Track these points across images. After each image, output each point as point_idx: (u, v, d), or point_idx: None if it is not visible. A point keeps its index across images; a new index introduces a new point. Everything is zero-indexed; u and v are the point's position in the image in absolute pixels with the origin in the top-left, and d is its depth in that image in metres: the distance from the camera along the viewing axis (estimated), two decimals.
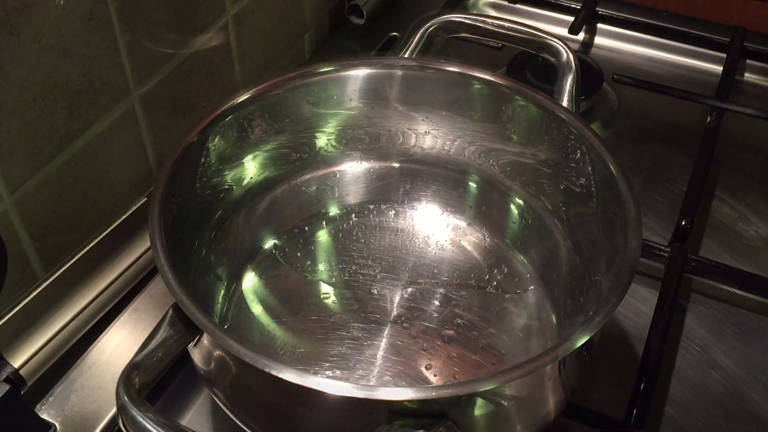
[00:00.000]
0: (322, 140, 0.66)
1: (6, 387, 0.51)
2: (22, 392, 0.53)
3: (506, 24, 0.64)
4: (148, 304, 0.62)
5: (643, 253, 0.67)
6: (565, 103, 0.60)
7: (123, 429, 0.42)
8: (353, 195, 0.69)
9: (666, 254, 0.67)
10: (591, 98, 0.83)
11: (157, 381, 0.45)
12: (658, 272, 0.66)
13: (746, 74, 0.89)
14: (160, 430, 0.41)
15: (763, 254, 0.70)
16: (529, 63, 0.84)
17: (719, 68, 0.86)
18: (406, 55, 0.65)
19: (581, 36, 0.93)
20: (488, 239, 0.67)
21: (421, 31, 0.66)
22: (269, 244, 0.66)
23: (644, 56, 0.92)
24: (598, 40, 0.94)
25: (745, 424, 0.58)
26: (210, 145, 0.57)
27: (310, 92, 0.62)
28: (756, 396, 0.60)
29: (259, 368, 0.42)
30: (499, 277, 0.64)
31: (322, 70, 0.61)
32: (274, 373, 0.42)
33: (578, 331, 0.44)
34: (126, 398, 0.42)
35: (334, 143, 0.66)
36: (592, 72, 0.84)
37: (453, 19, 0.66)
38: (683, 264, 0.66)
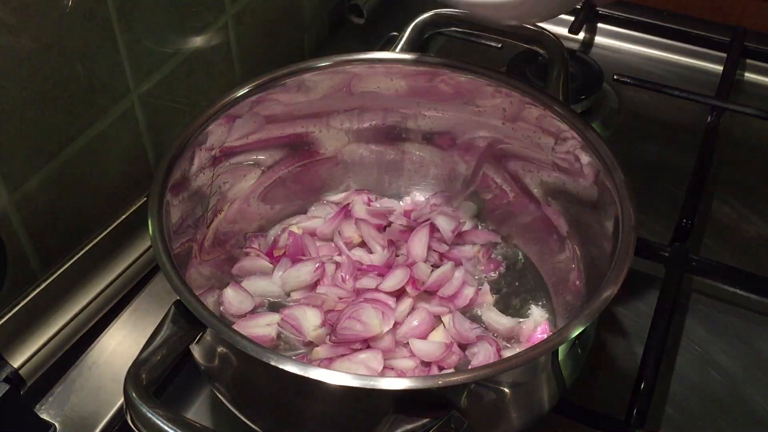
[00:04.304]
0: (319, 132, 0.66)
1: (6, 387, 0.51)
2: (22, 392, 0.53)
3: None
4: (148, 304, 0.62)
5: (643, 253, 0.68)
6: (555, 94, 0.61)
7: (131, 425, 0.42)
8: (351, 183, 0.70)
9: (666, 254, 0.67)
10: (591, 98, 0.83)
11: (163, 377, 0.45)
12: (658, 272, 0.66)
13: (746, 74, 0.89)
14: (169, 424, 0.41)
15: (763, 254, 0.70)
16: (530, 62, 0.84)
17: (719, 68, 0.86)
18: (397, 50, 0.65)
19: (581, 35, 0.93)
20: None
21: (412, 25, 0.66)
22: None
23: (644, 56, 0.92)
24: (599, 39, 0.94)
25: (745, 424, 0.58)
26: (208, 140, 0.57)
27: (307, 87, 0.62)
28: (756, 396, 0.60)
29: (264, 361, 0.42)
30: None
31: (319, 65, 0.61)
32: (280, 366, 0.42)
33: (575, 321, 0.45)
34: (134, 394, 0.42)
35: (331, 135, 0.66)
36: (592, 72, 0.84)
37: (441, 12, 0.66)
38: (683, 264, 0.66)
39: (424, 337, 0.58)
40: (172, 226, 0.52)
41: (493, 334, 0.59)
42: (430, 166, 0.69)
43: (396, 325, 0.57)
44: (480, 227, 0.68)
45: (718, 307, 0.66)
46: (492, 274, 0.64)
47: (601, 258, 0.53)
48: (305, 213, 0.68)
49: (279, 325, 0.58)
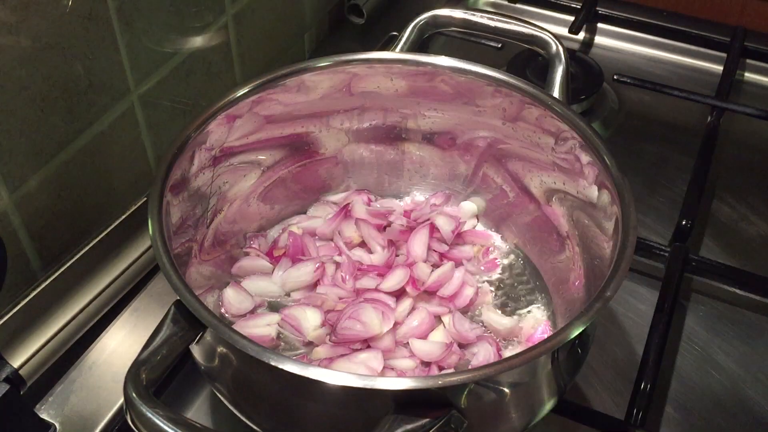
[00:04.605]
0: (319, 132, 0.66)
1: (6, 387, 0.51)
2: (21, 392, 0.53)
3: (495, 17, 0.64)
4: (148, 304, 0.62)
5: (643, 252, 0.68)
6: (555, 94, 0.61)
7: (131, 425, 0.42)
8: (351, 183, 0.70)
9: (666, 254, 0.67)
10: (591, 98, 0.83)
11: (162, 377, 0.45)
12: (658, 272, 0.66)
13: (746, 74, 0.89)
14: (168, 424, 0.41)
15: (763, 254, 0.70)
16: (529, 62, 0.84)
17: (719, 68, 0.86)
18: (397, 50, 0.65)
19: (581, 36, 0.93)
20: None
21: (411, 26, 0.66)
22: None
23: (644, 56, 0.92)
24: (599, 39, 0.94)
25: (745, 424, 0.58)
26: (208, 140, 0.57)
27: (307, 87, 0.62)
28: (756, 396, 0.60)
29: (264, 361, 0.42)
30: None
31: (319, 65, 0.61)
32: (280, 366, 0.42)
33: (575, 321, 0.45)
34: (134, 394, 0.42)
35: (331, 135, 0.66)
36: (592, 72, 0.84)
37: (440, 13, 0.66)
38: (683, 264, 0.66)
39: (424, 337, 0.58)
40: (172, 226, 0.52)
41: (493, 334, 0.59)
42: (430, 166, 0.69)
43: (396, 325, 0.57)
44: (480, 227, 0.68)
45: (718, 307, 0.66)
46: (492, 274, 0.64)
47: (601, 258, 0.53)
48: (305, 213, 0.68)
49: (279, 325, 0.58)
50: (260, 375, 0.47)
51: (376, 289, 0.60)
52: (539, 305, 0.62)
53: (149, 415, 0.42)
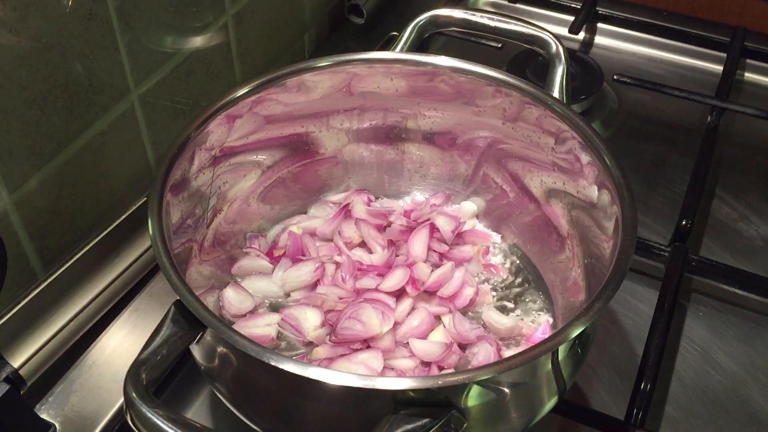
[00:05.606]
0: (319, 132, 0.66)
1: (6, 387, 0.51)
2: (21, 392, 0.53)
3: (495, 17, 0.65)
4: (148, 304, 0.63)
5: (643, 252, 0.68)
6: (555, 94, 0.61)
7: (131, 425, 0.42)
8: (351, 183, 0.70)
9: (666, 254, 0.67)
10: (591, 98, 0.83)
11: (162, 377, 0.45)
12: (658, 272, 0.66)
13: (746, 74, 0.89)
14: (168, 424, 0.41)
15: (763, 254, 0.70)
16: (529, 62, 0.84)
17: (719, 68, 0.86)
18: (397, 50, 0.65)
19: (581, 36, 0.93)
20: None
21: (411, 26, 0.66)
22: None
23: (644, 56, 0.92)
24: (599, 39, 0.94)
25: (745, 424, 0.58)
26: (208, 140, 0.58)
27: (307, 87, 0.62)
28: (756, 396, 0.60)
29: (264, 361, 0.42)
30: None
31: (319, 65, 0.61)
32: (280, 366, 0.42)
33: (575, 321, 0.45)
34: (134, 394, 0.42)
35: (331, 135, 0.66)
36: (592, 72, 0.84)
37: (440, 13, 0.66)
38: (683, 264, 0.66)
39: (424, 337, 0.58)
40: (172, 226, 0.52)
41: (493, 334, 0.59)
42: (430, 166, 0.69)
43: (396, 325, 0.57)
44: (480, 227, 0.68)
45: (718, 307, 0.66)
46: (492, 274, 0.64)
47: (601, 258, 0.53)
48: (305, 213, 0.68)
49: (279, 325, 0.58)
50: (260, 375, 0.47)
51: (376, 289, 0.60)
52: (539, 305, 0.62)
53: (149, 415, 0.42)
